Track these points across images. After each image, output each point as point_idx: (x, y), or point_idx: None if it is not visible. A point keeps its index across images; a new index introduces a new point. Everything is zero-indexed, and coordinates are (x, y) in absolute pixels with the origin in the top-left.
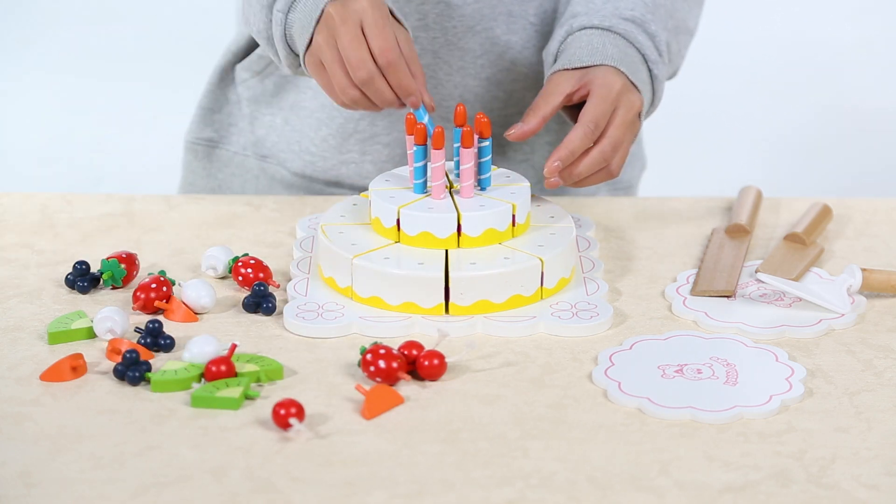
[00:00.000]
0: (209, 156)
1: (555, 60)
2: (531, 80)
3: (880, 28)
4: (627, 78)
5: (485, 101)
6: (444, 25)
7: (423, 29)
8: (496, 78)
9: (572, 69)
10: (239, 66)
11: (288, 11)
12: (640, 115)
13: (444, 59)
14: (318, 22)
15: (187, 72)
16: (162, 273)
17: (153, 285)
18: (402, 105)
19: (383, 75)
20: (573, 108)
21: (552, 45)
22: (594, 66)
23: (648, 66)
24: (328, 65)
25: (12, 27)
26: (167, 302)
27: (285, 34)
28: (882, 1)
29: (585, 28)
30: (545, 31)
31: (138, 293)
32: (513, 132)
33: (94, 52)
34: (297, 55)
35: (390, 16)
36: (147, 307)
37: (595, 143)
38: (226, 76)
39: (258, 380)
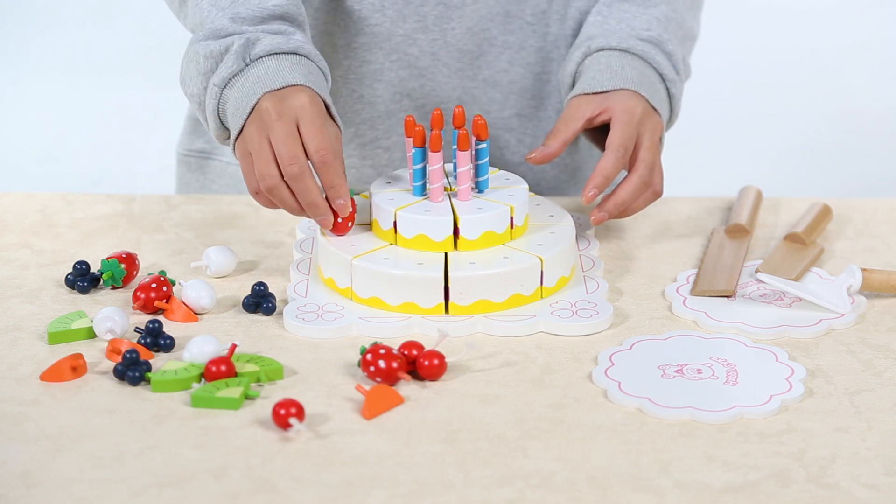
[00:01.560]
0: (202, 167)
1: (572, 82)
2: (528, 81)
3: (880, 29)
4: (647, 101)
5: (482, 102)
6: (444, 27)
7: (423, 31)
8: (493, 79)
9: (592, 94)
10: None
11: (224, 87)
12: (661, 137)
13: (442, 62)
14: (251, 112)
15: None
16: (162, 273)
17: (153, 285)
18: (325, 211)
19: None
20: (593, 132)
21: (569, 67)
22: (614, 90)
23: (666, 86)
24: (255, 154)
25: (12, 27)
26: (167, 302)
27: (218, 108)
28: (882, 2)
29: (603, 49)
30: (541, 31)
31: (138, 293)
32: (534, 155)
33: (94, 52)
34: (227, 129)
35: (327, 114)
36: (147, 307)
37: (631, 169)
38: None
39: (258, 380)
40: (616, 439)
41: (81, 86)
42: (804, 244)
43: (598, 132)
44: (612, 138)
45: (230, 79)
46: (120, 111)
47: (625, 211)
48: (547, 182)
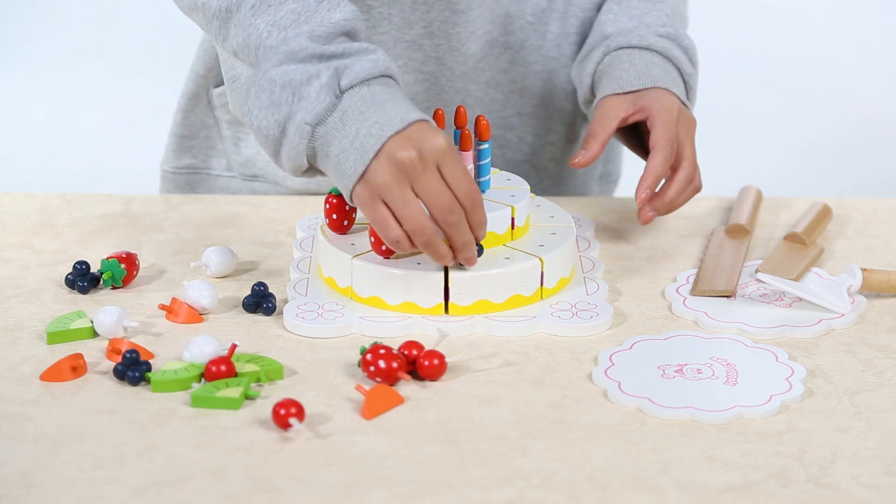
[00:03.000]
0: (191, 183)
1: (592, 81)
2: (529, 80)
3: (881, 28)
4: (678, 98)
5: (484, 103)
6: (449, 32)
7: (429, 37)
8: (495, 80)
9: (623, 93)
10: (216, 91)
11: (316, 125)
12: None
13: (447, 66)
14: (376, 155)
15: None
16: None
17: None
18: (473, 250)
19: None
20: (623, 131)
21: (588, 66)
22: (644, 89)
23: (685, 80)
24: (401, 205)
25: (12, 27)
26: (170, 305)
27: (308, 147)
28: (882, 2)
29: (623, 48)
30: (542, 30)
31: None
32: (577, 160)
33: (94, 51)
34: (312, 168)
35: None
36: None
37: (676, 167)
38: (199, 101)
39: (258, 380)
40: (616, 439)
41: (81, 85)
42: (804, 244)
43: (628, 131)
44: (658, 138)
45: (324, 116)
46: (120, 111)
47: (671, 208)
48: (550, 181)
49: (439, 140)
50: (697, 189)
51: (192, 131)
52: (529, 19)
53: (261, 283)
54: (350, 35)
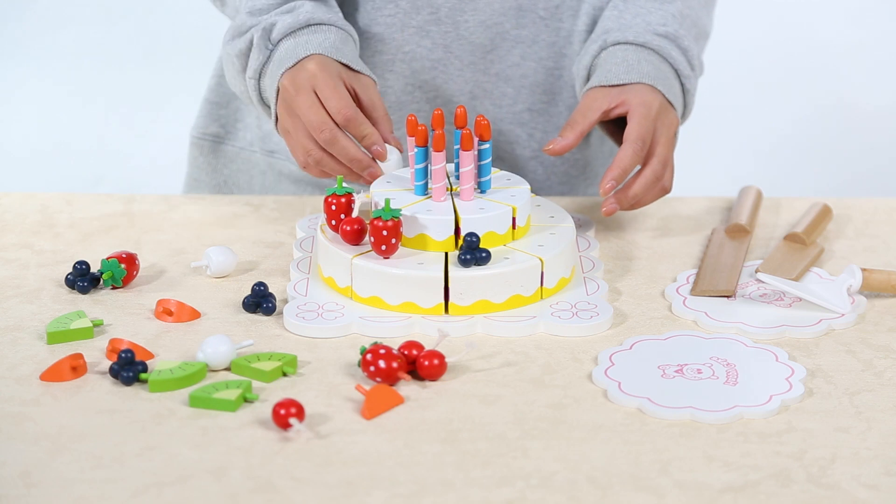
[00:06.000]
0: (215, 151)
1: (587, 75)
2: (539, 76)
3: (880, 27)
4: (664, 96)
5: (494, 97)
6: (457, 20)
7: (436, 23)
8: (505, 73)
9: (609, 86)
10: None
11: (259, 78)
12: (676, 132)
13: (455, 55)
14: (277, 94)
15: (188, 71)
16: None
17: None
18: (368, 164)
19: (345, 133)
20: (607, 124)
21: (584, 59)
22: (630, 83)
23: (681, 81)
24: (291, 132)
25: (12, 27)
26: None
27: (261, 98)
28: (882, 2)
29: (619, 44)
30: (554, 26)
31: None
32: (551, 147)
33: (94, 51)
34: None
35: (346, 71)
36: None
37: (645, 163)
38: None
39: (284, 374)
40: (616, 439)
41: (81, 85)
42: (804, 244)
43: (613, 125)
44: (630, 131)
45: (260, 69)
46: (120, 110)
47: (635, 204)
48: (557, 177)
49: (311, 66)
50: (665, 190)
51: (224, 99)
52: (542, 14)
53: (260, 283)
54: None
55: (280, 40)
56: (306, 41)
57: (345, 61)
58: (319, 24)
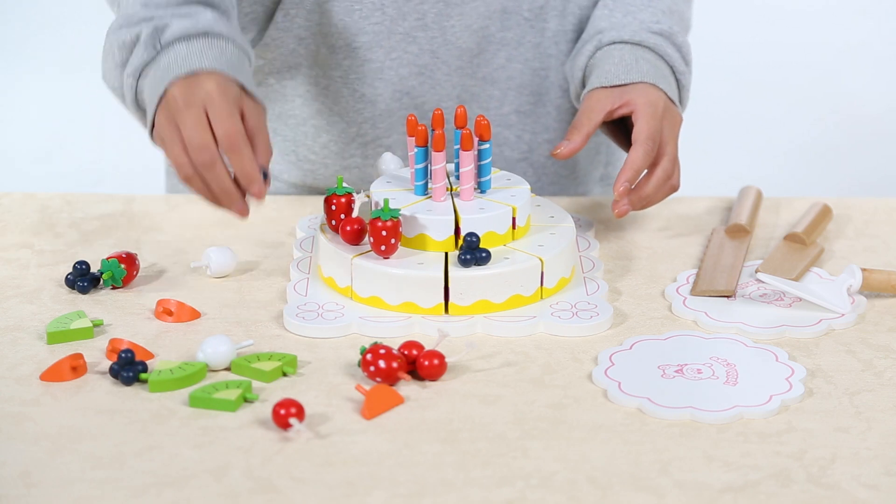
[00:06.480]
0: None
1: (583, 75)
2: (526, 77)
3: (880, 27)
4: (666, 94)
5: (481, 99)
6: (443, 25)
7: (422, 29)
8: (492, 76)
9: (610, 87)
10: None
11: (138, 77)
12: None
13: (442, 59)
14: (160, 100)
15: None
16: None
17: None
18: (237, 199)
19: (223, 161)
20: (609, 125)
21: (579, 60)
22: (632, 83)
23: (676, 77)
24: (168, 143)
25: (12, 27)
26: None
27: (136, 99)
28: (882, 2)
29: (615, 43)
30: (539, 27)
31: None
32: (559, 150)
33: (95, 51)
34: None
35: (241, 94)
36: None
37: (655, 163)
38: None
39: (284, 374)
40: (616, 439)
41: (81, 85)
42: (804, 244)
43: (615, 125)
44: (640, 132)
45: (143, 68)
46: (120, 111)
47: (646, 204)
48: (547, 178)
49: (210, 84)
50: (675, 188)
51: None
52: (526, 15)
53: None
54: (202, 2)
55: (172, 43)
56: (201, 51)
57: (241, 80)
58: (219, 35)
